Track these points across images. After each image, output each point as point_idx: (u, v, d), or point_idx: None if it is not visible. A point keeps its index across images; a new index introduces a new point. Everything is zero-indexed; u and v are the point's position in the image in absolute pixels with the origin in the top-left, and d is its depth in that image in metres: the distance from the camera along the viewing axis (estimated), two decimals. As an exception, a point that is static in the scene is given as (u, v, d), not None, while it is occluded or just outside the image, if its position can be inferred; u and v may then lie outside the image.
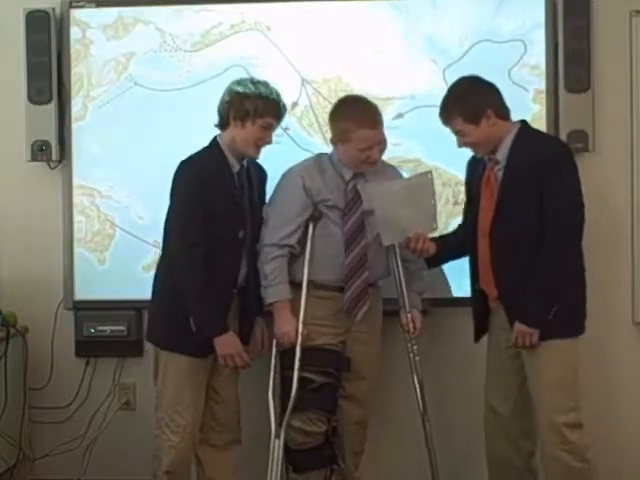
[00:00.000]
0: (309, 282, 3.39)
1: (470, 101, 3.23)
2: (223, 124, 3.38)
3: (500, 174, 3.25)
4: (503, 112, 3.27)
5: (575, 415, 3.21)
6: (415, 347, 3.43)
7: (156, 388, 3.41)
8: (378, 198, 3.32)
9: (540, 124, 3.76)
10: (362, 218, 3.38)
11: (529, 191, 3.16)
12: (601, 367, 3.81)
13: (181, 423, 3.34)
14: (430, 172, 3.46)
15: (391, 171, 3.54)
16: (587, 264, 3.30)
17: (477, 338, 3.44)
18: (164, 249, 3.42)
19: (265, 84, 3.39)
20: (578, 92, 3.80)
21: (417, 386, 3.42)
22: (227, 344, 3.26)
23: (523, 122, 3.33)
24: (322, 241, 3.39)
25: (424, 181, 3.41)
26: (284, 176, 3.45)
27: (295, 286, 3.39)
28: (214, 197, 3.28)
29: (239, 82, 3.39)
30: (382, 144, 3.39)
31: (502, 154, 3.25)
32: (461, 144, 3.29)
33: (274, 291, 3.35)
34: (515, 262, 3.20)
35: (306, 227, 3.39)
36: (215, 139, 3.39)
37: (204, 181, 3.28)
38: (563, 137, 3.76)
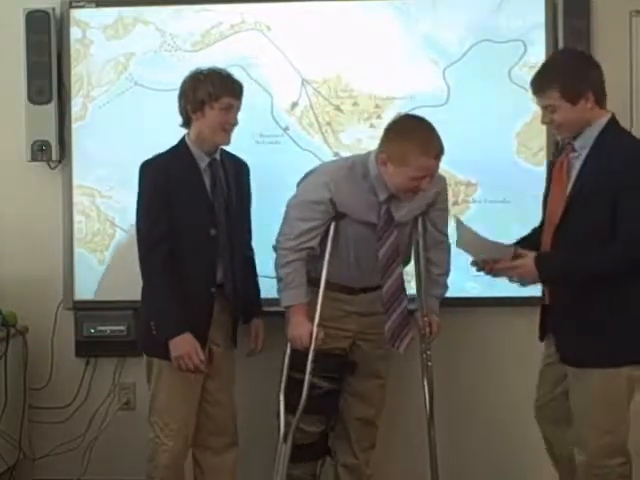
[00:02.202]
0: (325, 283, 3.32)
1: (574, 77, 2.95)
2: (186, 122, 3.35)
3: (575, 163, 3.00)
4: (602, 98, 2.99)
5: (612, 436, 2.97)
6: (429, 352, 3.37)
7: (149, 392, 3.40)
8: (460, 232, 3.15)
9: (540, 124, 3.76)
10: (397, 243, 3.29)
11: (603, 195, 2.88)
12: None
13: (174, 427, 3.32)
14: (513, 247, 3.07)
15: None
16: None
17: (541, 337, 3.19)
18: None
19: (213, 68, 3.34)
20: (578, 92, 3.80)
21: (426, 391, 3.38)
22: (178, 345, 3.21)
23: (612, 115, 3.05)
24: (344, 244, 3.31)
25: (503, 251, 3.07)
26: (312, 176, 3.35)
27: (311, 283, 3.32)
28: (178, 196, 3.25)
29: (188, 75, 3.35)
30: (434, 175, 3.24)
31: (583, 143, 2.98)
32: (546, 120, 3.03)
33: (290, 295, 3.29)
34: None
35: (327, 228, 3.30)
36: (182, 138, 3.36)
37: (165, 181, 3.25)
38: (563, 137, 3.76)
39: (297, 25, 3.91)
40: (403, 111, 3.81)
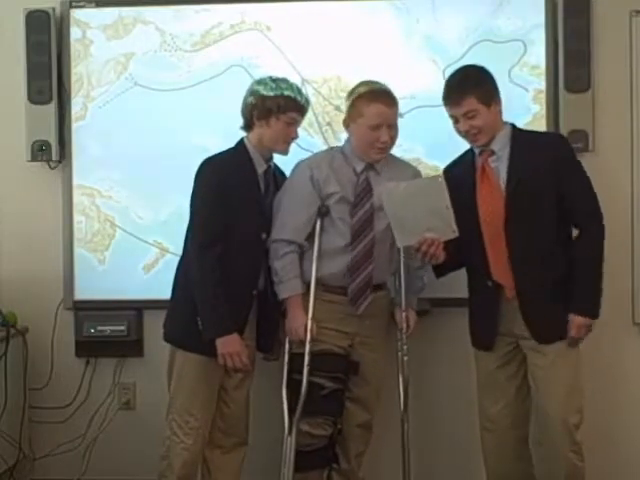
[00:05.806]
0: (319, 283, 3.36)
1: (486, 83, 3.27)
2: (248, 125, 3.39)
3: (497, 165, 3.26)
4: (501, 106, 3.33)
5: (581, 415, 3.23)
6: (405, 347, 3.40)
7: (169, 390, 3.41)
8: (387, 198, 3.23)
9: (540, 124, 3.77)
10: (371, 211, 3.34)
11: (545, 184, 3.19)
12: (601, 367, 3.79)
13: (194, 425, 3.34)
14: (441, 176, 3.33)
15: (403, 166, 3.49)
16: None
17: (488, 347, 3.36)
18: (185, 249, 3.41)
19: (285, 80, 3.40)
20: (578, 92, 3.81)
21: (401, 385, 3.41)
22: (227, 343, 3.25)
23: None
24: (330, 240, 3.36)
25: (434, 184, 3.27)
26: (294, 169, 3.44)
27: (305, 285, 3.37)
28: (235, 197, 3.28)
29: (259, 82, 3.40)
30: (393, 129, 3.36)
31: (499, 145, 3.26)
32: (466, 127, 3.23)
33: (286, 287, 3.34)
34: (534, 252, 3.21)
35: (314, 223, 3.37)
36: (242, 140, 3.40)
37: (224, 181, 3.28)
38: (563, 137, 3.77)
39: (297, 25, 3.91)
40: (403, 111, 3.83)
